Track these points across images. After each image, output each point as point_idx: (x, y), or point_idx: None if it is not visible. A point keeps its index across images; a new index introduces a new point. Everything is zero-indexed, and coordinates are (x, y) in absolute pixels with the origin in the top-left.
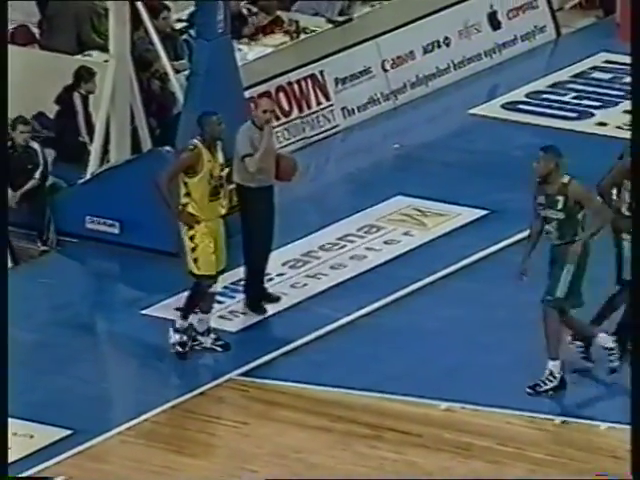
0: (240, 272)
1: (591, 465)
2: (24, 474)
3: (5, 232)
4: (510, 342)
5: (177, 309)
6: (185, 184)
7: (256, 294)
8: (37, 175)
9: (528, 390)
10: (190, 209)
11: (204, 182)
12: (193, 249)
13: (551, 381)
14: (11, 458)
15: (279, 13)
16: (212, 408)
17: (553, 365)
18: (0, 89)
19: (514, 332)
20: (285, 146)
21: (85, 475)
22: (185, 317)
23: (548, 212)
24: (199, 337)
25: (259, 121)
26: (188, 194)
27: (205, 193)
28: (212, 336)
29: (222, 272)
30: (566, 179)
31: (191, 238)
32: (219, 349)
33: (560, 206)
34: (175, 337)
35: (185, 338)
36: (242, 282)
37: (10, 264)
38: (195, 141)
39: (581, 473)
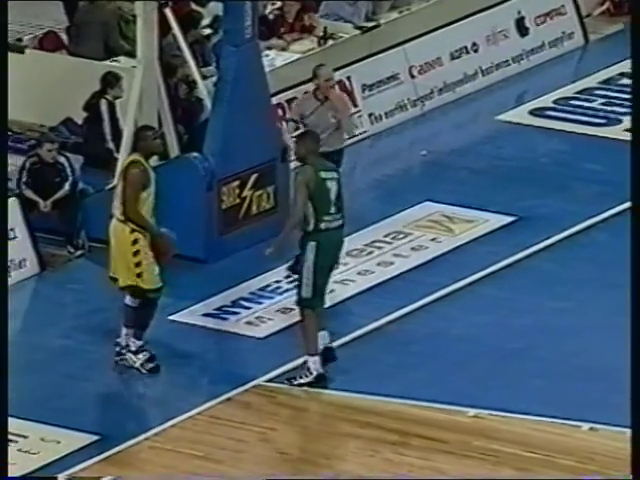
0: (267, 278)
1: (621, 472)
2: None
3: (5, 234)
4: (538, 349)
5: (126, 327)
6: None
7: None
8: (67, 186)
9: (284, 381)
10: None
11: (151, 196)
12: (137, 264)
13: (307, 376)
14: (38, 464)
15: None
16: (239, 414)
17: (312, 361)
18: (0, 89)
19: (542, 339)
20: None
21: None
22: (139, 337)
23: None
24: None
25: (322, 92)
26: (137, 202)
27: (150, 207)
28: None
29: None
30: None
31: (135, 253)
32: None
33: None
34: (139, 358)
35: (148, 354)
36: (270, 287)
37: (37, 270)
38: (136, 156)
39: None
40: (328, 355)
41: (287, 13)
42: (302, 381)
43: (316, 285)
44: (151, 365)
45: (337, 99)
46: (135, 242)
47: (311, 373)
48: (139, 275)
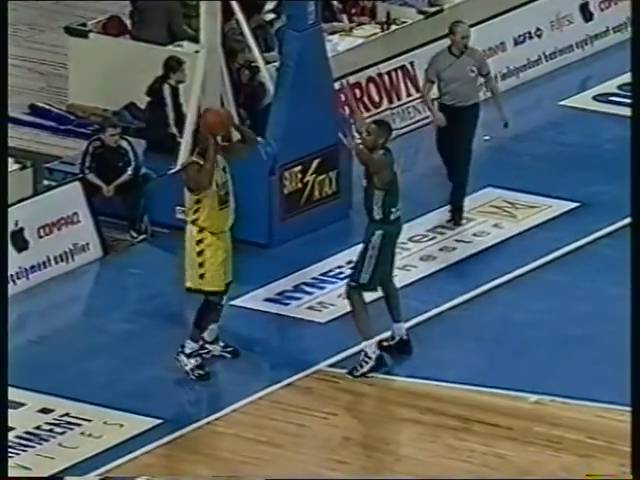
0: (330, 263)
1: None
2: (114, 463)
3: (5, 230)
4: (600, 335)
5: (193, 328)
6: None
7: (460, 205)
8: (130, 171)
9: (347, 375)
10: (201, 222)
11: (212, 191)
12: (201, 264)
13: (367, 362)
14: (101, 447)
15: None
16: (300, 399)
17: (368, 346)
18: (0, 88)
19: (604, 325)
20: None
21: (175, 465)
22: (196, 340)
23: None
24: (208, 346)
25: (457, 47)
26: (198, 203)
27: (215, 202)
28: (221, 344)
29: (230, 284)
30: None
31: (200, 253)
32: (228, 355)
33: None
34: (190, 362)
35: (200, 360)
36: (332, 272)
37: (100, 254)
38: (194, 157)
39: None
40: (404, 348)
41: None
42: (364, 370)
43: (374, 274)
44: (200, 372)
45: (479, 53)
46: (200, 242)
47: (370, 358)
48: (202, 276)
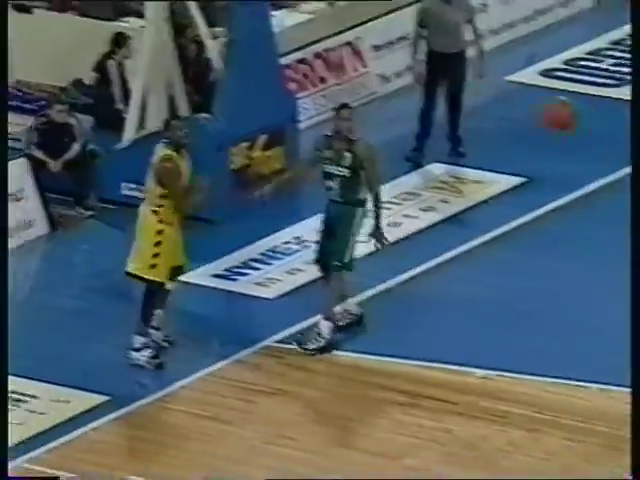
0: (277, 239)
1: (627, 433)
2: (62, 439)
3: (5, 227)
4: (546, 311)
5: (139, 321)
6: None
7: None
8: (76, 147)
9: (296, 347)
10: (163, 214)
11: (179, 187)
12: (156, 255)
13: (319, 341)
14: (48, 424)
15: None
16: (248, 375)
17: (326, 325)
18: (0, 86)
19: (550, 300)
20: (321, 113)
21: (122, 442)
22: (143, 333)
23: (333, 168)
24: (150, 331)
25: None
26: (164, 198)
27: (179, 199)
28: (162, 332)
29: (181, 270)
30: (356, 136)
31: (157, 243)
32: (166, 345)
33: (346, 163)
34: (144, 355)
35: (151, 352)
36: (280, 248)
37: (47, 230)
38: (167, 151)
39: (618, 441)
40: (356, 324)
41: None
42: (313, 346)
43: (353, 253)
44: (157, 361)
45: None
46: (160, 233)
47: (323, 338)
48: (154, 266)
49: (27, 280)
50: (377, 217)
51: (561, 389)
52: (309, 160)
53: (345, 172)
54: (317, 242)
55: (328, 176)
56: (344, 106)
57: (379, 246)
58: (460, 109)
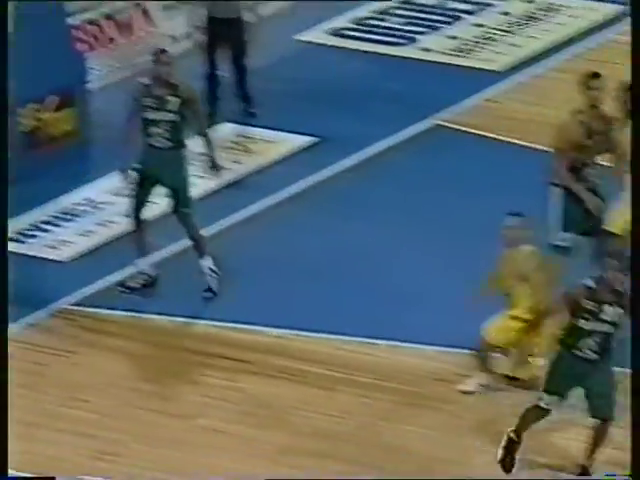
0: (66, 200)
1: (422, 390)
2: None
3: (5, 227)
4: (341, 269)
5: None
6: None
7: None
8: None
9: (119, 288)
10: None
11: None
12: None
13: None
14: None
15: None
16: (41, 338)
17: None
18: (0, 85)
19: (343, 260)
20: (111, 74)
21: None
22: None
23: (157, 114)
24: None
25: None
26: None
27: None
28: None
29: None
30: (177, 80)
31: None
32: None
33: (173, 107)
34: None
35: None
36: (71, 210)
37: None
38: None
39: (412, 397)
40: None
41: None
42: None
43: None
44: None
45: None
46: None
47: (151, 277)
48: None
49: None
50: (212, 151)
51: (355, 346)
52: (128, 111)
53: (172, 117)
54: (132, 194)
55: (152, 123)
56: (162, 51)
57: (219, 175)
58: (245, 70)
